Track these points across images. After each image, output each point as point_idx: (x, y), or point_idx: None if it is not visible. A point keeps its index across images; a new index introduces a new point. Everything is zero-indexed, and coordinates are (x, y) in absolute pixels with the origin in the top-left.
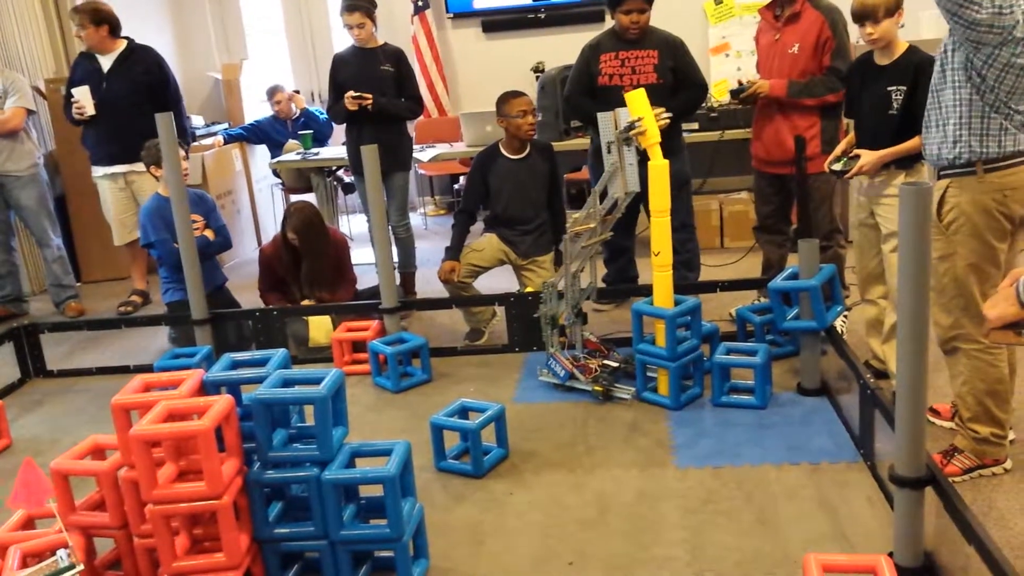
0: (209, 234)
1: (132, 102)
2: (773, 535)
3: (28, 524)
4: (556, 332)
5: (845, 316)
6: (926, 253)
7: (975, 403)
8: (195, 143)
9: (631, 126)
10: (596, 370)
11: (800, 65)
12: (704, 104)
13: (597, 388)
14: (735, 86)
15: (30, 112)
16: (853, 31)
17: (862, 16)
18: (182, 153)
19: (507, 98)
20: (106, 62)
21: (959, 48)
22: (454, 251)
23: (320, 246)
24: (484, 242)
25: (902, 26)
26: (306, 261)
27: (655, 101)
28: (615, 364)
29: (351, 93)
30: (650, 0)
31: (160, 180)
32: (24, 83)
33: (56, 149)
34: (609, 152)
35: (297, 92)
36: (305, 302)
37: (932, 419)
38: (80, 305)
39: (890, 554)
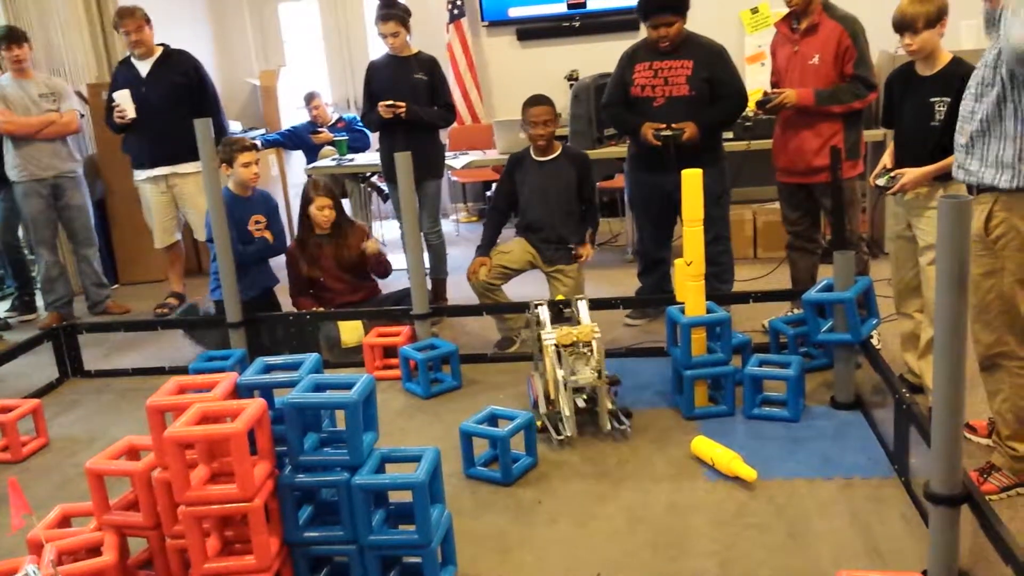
0: (268, 236)
1: (170, 105)
2: (804, 550)
3: (64, 522)
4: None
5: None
6: (964, 267)
7: (1015, 420)
8: None
9: None
10: (553, 406)
11: (822, 75)
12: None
13: (538, 423)
14: (762, 97)
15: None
16: (875, 39)
17: (901, 27)
18: (251, 155)
19: (527, 105)
20: (144, 68)
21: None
22: (484, 248)
23: (343, 218)
24: (512, 244)
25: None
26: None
27: (685, 114)
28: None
29: (385, 102)
30: (679, 12)
31: (228, 177)
32: (69, 88)
33: (97, 153)
34: None
35: (323, 145)
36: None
37: (968, 435)
38: (122, 304)
39: (924, 572)
